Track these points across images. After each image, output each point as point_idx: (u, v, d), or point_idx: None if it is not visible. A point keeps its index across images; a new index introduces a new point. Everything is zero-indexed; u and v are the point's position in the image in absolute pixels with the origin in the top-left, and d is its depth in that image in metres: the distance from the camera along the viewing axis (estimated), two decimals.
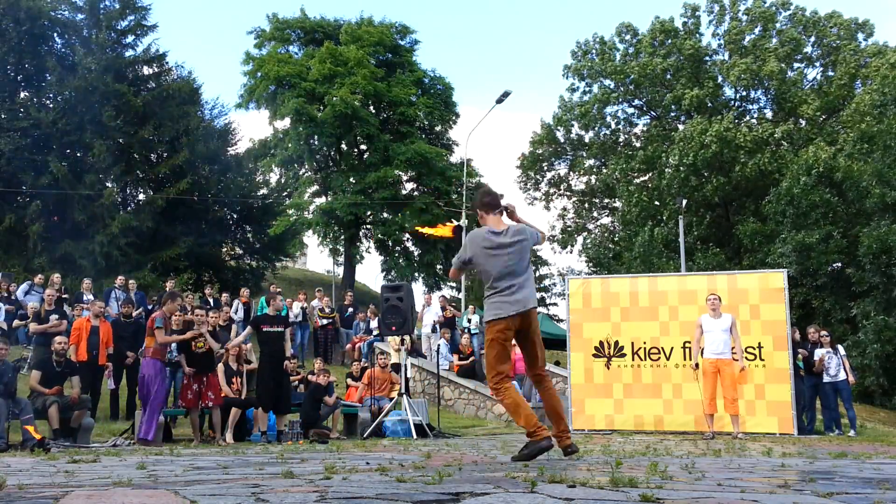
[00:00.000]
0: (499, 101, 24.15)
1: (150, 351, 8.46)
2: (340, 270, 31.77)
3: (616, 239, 33.20)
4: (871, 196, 21.74)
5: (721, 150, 27.55)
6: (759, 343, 10.47)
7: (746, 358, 10.32)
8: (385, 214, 28.49)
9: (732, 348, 9.16)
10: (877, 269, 20.60)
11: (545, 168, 38.08)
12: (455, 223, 7.29)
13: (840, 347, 11.45)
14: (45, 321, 10.37)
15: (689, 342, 10.34)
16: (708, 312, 9.34)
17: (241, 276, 27.27)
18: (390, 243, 29.69)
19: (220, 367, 9.39)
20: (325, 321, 16.16)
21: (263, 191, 30.82)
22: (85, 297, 12.84)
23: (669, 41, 32.21)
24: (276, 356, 9.05)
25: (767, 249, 24.26)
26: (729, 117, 29.57)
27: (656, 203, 30.21)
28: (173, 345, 10.51)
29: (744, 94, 32.67)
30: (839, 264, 22.14)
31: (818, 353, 11.36)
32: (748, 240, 26.25)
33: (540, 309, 41.47)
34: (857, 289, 21.48)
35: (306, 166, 30.29)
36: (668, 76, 32.41)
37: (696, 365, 9.26)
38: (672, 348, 10.89)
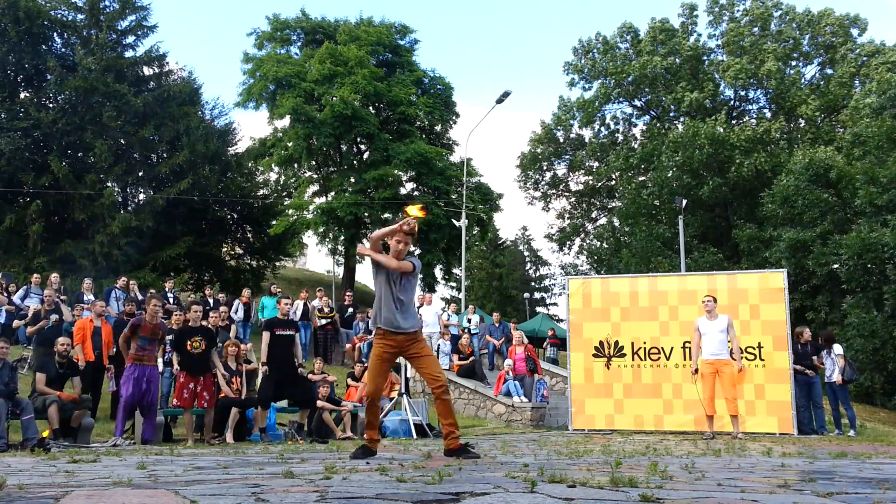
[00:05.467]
0: (499, 101, 24.16)
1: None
2: (340, 270, 31.77)
3: (616, 236, 33.23)
4: (859, 196, 21.82)
5: (716, 151, 27.59)
6: (759, 343, 10.47)
7: (746, 358, 10.32)
8: (385, 214, 28.48)
9: (731, 348, 9.17)
10: (862, 268, 20.67)
11: (544, 168, 38.12)
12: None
13: (836, 347, 11.39)
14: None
15: (690, 342, 10.34)
16: (704, 315, 9.34)
17: (241, 276, 27.27)
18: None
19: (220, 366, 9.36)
20: (324, 321, 16.14)
21: (263, 191, 30.80)
22: (85, 298, 12.84)
23: (669, 41, 32.23)
24: (286, 358, 9.13)
25: (766, 255, 24.29)
26: (722, 117, 29.59)
27: (655, 203, 30.25)
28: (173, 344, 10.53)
29: (742, 94, 32.71)
30: (836, 266, 22.16)
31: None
32: (745, 244, 26.33)
33: (540, 309, 41.55)
34: (847, 287, 21.56)
35: (305, 166, 30.28)
36: (668, 76, 32.43)
37: (696, 370, 9.26)
38: (672, 348, 10.89)
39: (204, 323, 9.42)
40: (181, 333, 9.06)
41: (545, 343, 20.25)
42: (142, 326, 8.47)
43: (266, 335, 9.23)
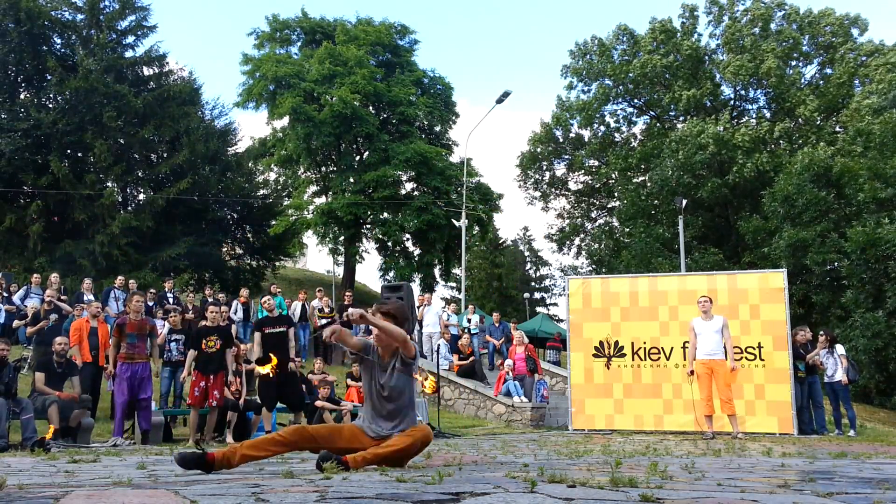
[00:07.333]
0: (499, 101, 24.13)
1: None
2: (340, 270, 31.78)
3: (615, 237, 33.25)
4: (863, 192, 21.88)
5: (719, 151, 27.59)
6: (759, 343, 10.46)
7: (746, 358, 10.32)
8: (385, 214, 28.48)
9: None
10: (865, 263, 20.70)
11: (544, 168, 38.14)
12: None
13: (839, 347, 11.38)
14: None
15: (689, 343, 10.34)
16: (700, 315, 9.34)
17: (241, 276, 27.28)
18: (390, 243, 29.68)
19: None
20: (324, 321, 16.13)
21: (263, 191, 30.81)
22: (85, 298, 12.84)
23: (669, 41, 32.24)
24: (279, 357, 9.08)
25: (768, 248, 24.39)
26: (726, 117, 29.58)
27: (655, 203, 30.25)
28: (173, 344, 10.56)
29: (742, 93, 32.71)
30: (836, 264, 22.19)
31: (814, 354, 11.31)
32: (750, 236, 26.34)
33: (540, 309, 41.41)
34: (848, 282, 21.62)
35: (305, 166, 30.28)
36: (667, 76, 32.45)
37: (692, 371, 9.26)
38: (672, 348, 10.88)
39: (221, 323, 9.47)
40: (198, 333, 9.10)
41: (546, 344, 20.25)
42: (127, 324, 8.52)
43: (257, 336, 9.28)
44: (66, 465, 4.51)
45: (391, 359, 4.35)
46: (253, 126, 45.95)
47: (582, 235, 38.52)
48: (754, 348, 10.47)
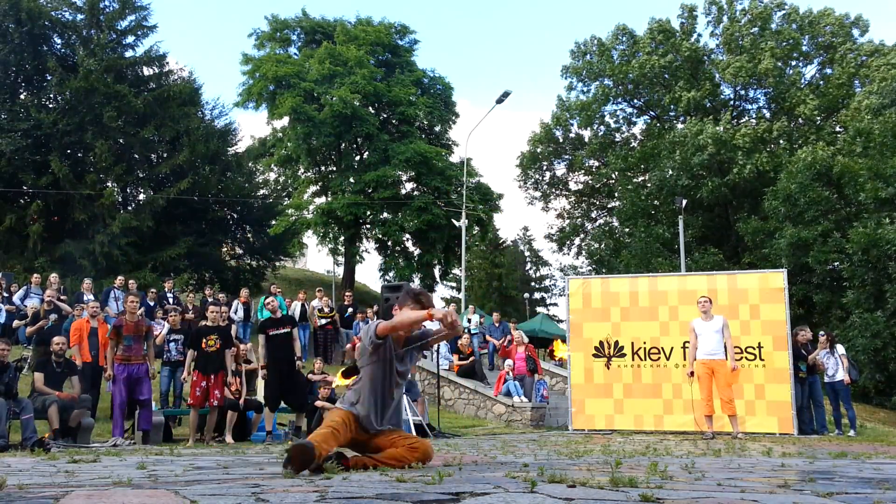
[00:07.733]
0: (499, 101, 24.11)
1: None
2: (340, 270, 31.78)
3: (616, 237, 33.25)
4: (864, 191, 21.90)
5: (718, 151, 27.59)
6: (759, 343, 10.46)
7: (746, 358, 10.32)
8: (385, 214, 28.47)
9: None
10: (866, 263, 20.69)
11: (544, 168, 38.14)
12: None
13: (839, 347, 11.39)
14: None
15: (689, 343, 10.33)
16: (700, 315, 9.34)
17: (241, 276, 27.29)
18: (390, 243, 29.67)
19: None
20: (324, 321, 16.14)
21: (263, 191, 30.81)
22: (85, 298, 12.85)
23: (668, 41, 32.25)
24: (284, 357, 9.14)
25: (768, 249, 24.39)
26: (727, 117, 29.56)
27: (655, 203, 30.25)
28: (172, 344, 10.56)
29: (742, 93, 32.71)
30: (837, 263, 22.20)
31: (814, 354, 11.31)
32: (750, 237, 26.31)
33: (540, 309, 41.34)
34: (849, 284, 21.63)
35: (304, 166, 30.28)
36: (666, 76, 32.45)
37: (691, 373, 9.26)
38: (672, 348, 10.88)
39: (221, 323, 9.48)
40: (198, 332, 9.11)
41: (549, 347, 20.16)
42: (124, 326, 8.52)
43: (261, 338, 9.30)
44: (66, 465, 4.51)
45: (404, 346, 4.37)
46: (253, 126, 46.03)
47: (582, 235, 38.51)
48: (754, 348, 10.47)
